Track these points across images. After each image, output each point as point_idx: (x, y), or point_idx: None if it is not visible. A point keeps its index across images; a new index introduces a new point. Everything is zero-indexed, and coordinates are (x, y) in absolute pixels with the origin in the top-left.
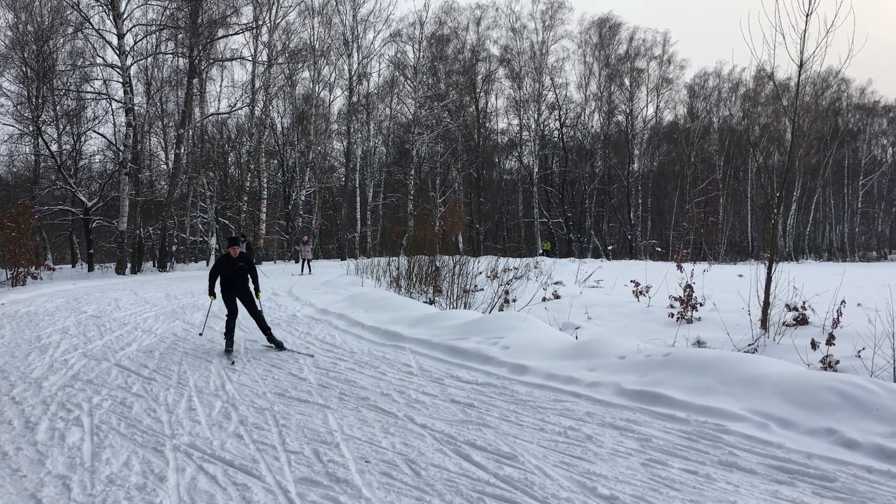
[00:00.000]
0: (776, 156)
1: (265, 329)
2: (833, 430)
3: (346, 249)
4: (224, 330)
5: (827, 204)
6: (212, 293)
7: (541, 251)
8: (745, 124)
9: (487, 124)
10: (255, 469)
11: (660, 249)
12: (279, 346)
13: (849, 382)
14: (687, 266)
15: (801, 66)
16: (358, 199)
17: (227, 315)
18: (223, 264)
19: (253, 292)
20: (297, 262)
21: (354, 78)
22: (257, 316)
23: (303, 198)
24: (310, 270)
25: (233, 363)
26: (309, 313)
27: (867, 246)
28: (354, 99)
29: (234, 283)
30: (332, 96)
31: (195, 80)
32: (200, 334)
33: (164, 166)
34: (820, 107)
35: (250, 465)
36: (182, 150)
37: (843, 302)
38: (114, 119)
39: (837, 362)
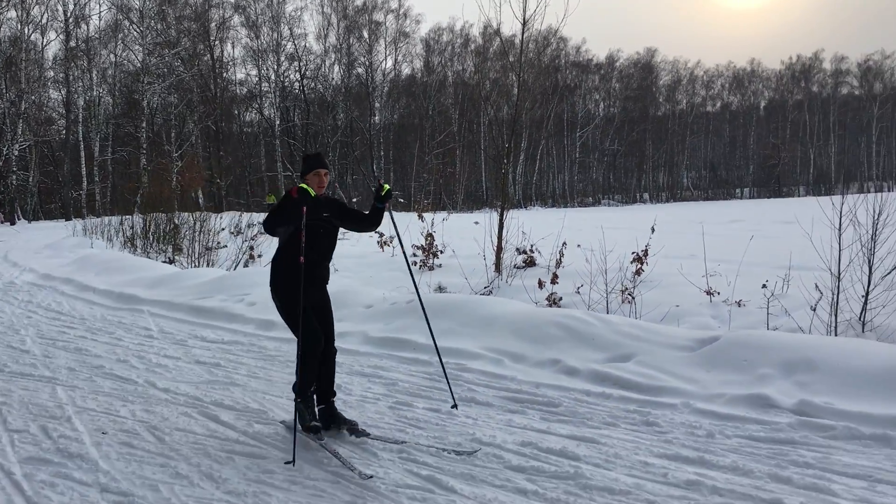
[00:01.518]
0: (505, 109)
1: (330, 384)
2: (557, 361)
3: (71, 208)
4: (298, 379)
5: (550, 154)
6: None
7: (266, 203)
8: (476, 79)
9: (225, 74)
10: None
11: (402, 200)
12: (352, 428)
13: (570, 316)
14: (428, 216)
15: (524, 23)
16: (83, 153)
17: (303, 343)
18: (299, 205)
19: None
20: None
21: (71, 20)
22: (332, 350)
23: (16, 153)
24: None
25: (322, 440)
26: (29, 279)
27: (584, 192)
28: (72, 44)
29: (320, 259)
30: (45, 40)
31: None
32: (289, 463)
33: None
34: (542, 63)
35: None
36: None
37: (565, 244)
38: None
39: (560, 299)
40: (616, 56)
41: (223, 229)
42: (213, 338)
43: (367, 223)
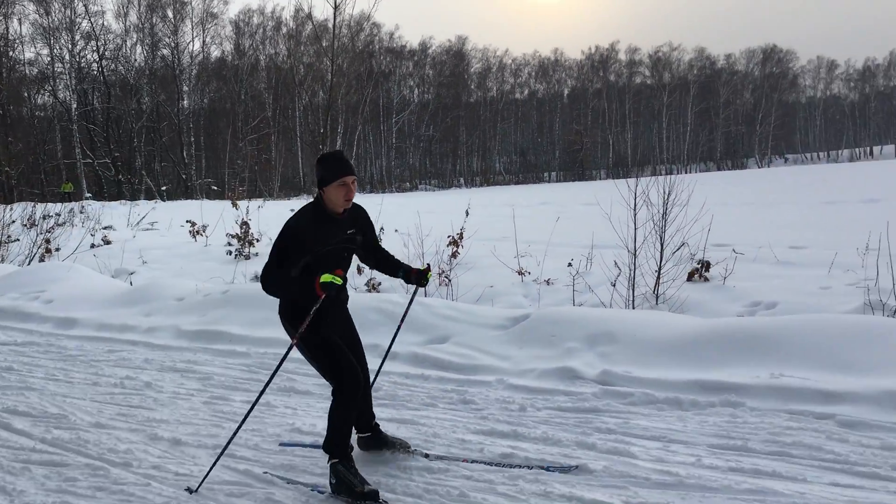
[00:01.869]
0: (320, 94)
1: (369, 407)
2: (377, 345)
3: None
4: (333, 432)
5: (367, 140)
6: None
7: (62, 192)
8: (289, 63)
9: (11, 53)
10: None
11: (216, 188)
12: (397, 444)
13: (389, 301)
14: (243, 203)
15: (335, 7)
16: None
17: (339, 390)
18: (318, 230)
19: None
20: None
21: None
22: (366, 375)
23: None
24: None
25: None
26: None
27: (402, 178)
28: None
29: (343, 283)
30: None
31: None
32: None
33: None
34: (356, 48)
35: None
36: None
37: (382, 229)
38: None
39: (380, 284)
40: (429, 43)
41: (13, 221)
42: (5, 339)
43: (381, 269)
